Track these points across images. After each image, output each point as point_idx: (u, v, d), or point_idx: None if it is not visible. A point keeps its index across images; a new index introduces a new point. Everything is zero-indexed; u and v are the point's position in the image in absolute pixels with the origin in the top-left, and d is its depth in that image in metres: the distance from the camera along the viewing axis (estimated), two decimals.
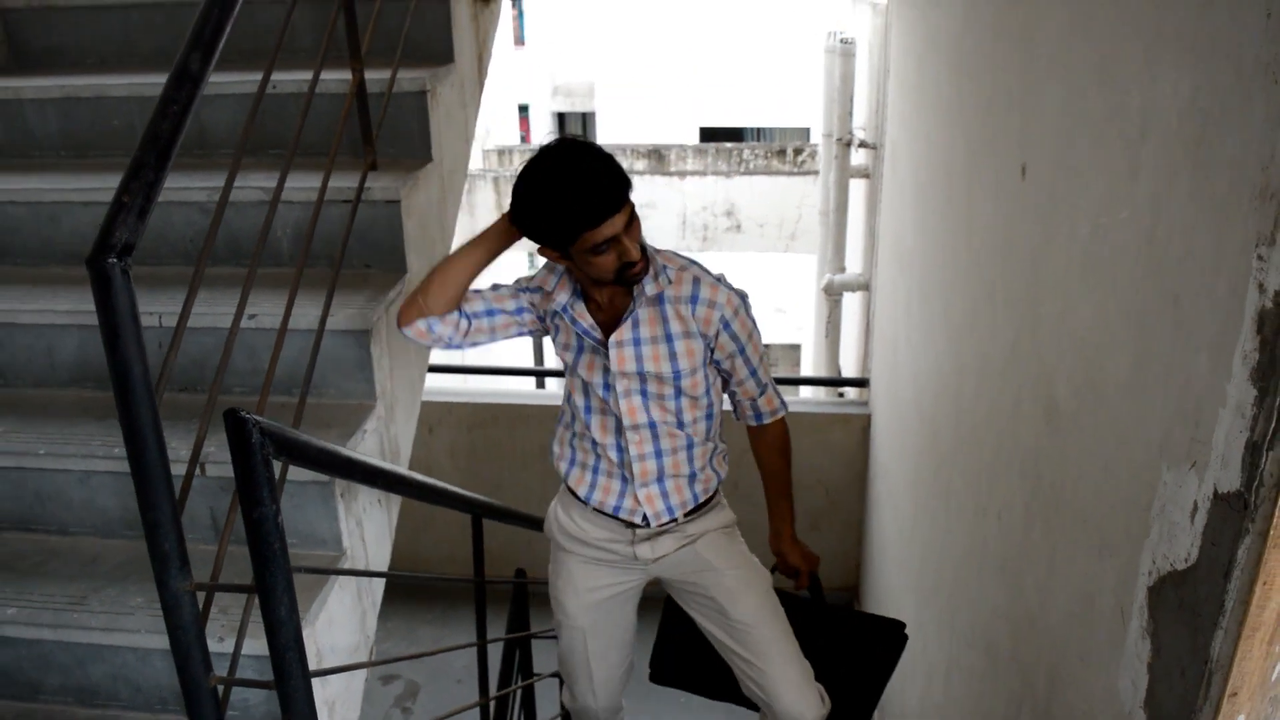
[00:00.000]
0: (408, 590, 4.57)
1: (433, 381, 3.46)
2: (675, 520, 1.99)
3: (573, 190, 1.64)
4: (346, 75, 2.03)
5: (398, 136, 2.30)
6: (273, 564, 1.22)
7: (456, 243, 2.16)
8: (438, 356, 2.72)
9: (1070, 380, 1.61)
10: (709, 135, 14.63)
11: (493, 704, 2.51)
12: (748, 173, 8.08)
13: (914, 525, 3.26)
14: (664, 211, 7.86)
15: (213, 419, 1.49)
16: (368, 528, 1.91)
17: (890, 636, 2.27)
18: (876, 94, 4.44)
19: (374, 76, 2.09)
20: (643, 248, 1.76)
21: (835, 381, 5.23)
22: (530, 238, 1.74)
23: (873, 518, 4.42)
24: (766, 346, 2.08)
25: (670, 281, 1.83)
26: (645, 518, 1.97)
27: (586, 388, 1.92)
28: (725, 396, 2.05)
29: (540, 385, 7.72)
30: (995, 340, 2.11)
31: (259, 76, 2.15)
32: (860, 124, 4.89)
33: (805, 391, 6.36)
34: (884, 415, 4.17)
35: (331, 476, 1.71)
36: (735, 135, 14.98)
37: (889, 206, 4.09)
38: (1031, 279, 1.83)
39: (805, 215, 7.32)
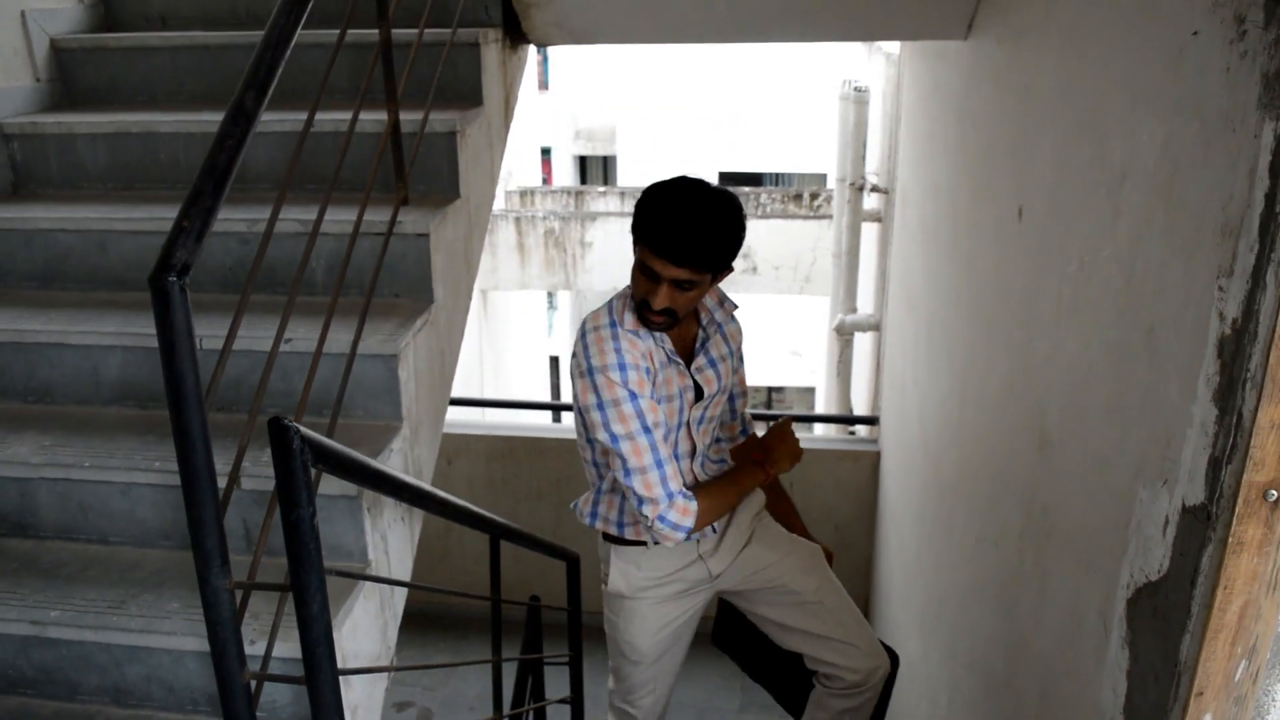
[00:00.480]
0: (423, 622, 4.64)
1: (452, 414, 3.56)
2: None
3: (670, 214, 1.75)
4: (382, 116, 2.16)
5: (428, 174, 2.43)
6: (307, 563, 1.31)
7: (480, 276, 2.27)
8: (456, 389, 2.82)
9: (1060, 411, 1.69)
10: (728, 180, 14.81)
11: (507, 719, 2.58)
12: (764, 216, 8.21)
13: (918, 559, 3.32)
14: None
15: (247, 436, 1.60)
16: (391, 542, 2.00)
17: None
18: (889, 140, 4.56)
19: (407, 117, 2.22)
20: (671, 312, 1.83)
21: (846, 419, 5.30)
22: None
23: (881, 554, 4.47)
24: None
25: (720, 306, 2.07)
26: (713, 526, 2.11)
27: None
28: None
29: (556, 419, 7.81)
30: (993, 376, 2.20)
31: (293, 116, 2.29)
32: (873, 169, 5.02)
33: (817, 429, 6.43)
34: (893, 452, 4.24)
35: (362, 487, 1.80)
36: (754, 180, 15.17)
37: (899, 249, 4.20)
38: (1026, 317, 1.92)
39: (820, 259, 7.43)
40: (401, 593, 2.09)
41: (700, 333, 2.03)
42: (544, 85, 16.30)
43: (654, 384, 1.89)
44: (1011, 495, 2.00)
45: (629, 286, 1.91)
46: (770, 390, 15.09)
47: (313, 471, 1.33)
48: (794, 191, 8.76)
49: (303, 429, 1.29)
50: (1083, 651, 1.52)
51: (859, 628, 2.18)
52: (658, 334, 1.90)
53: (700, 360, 2.00)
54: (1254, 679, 1.17)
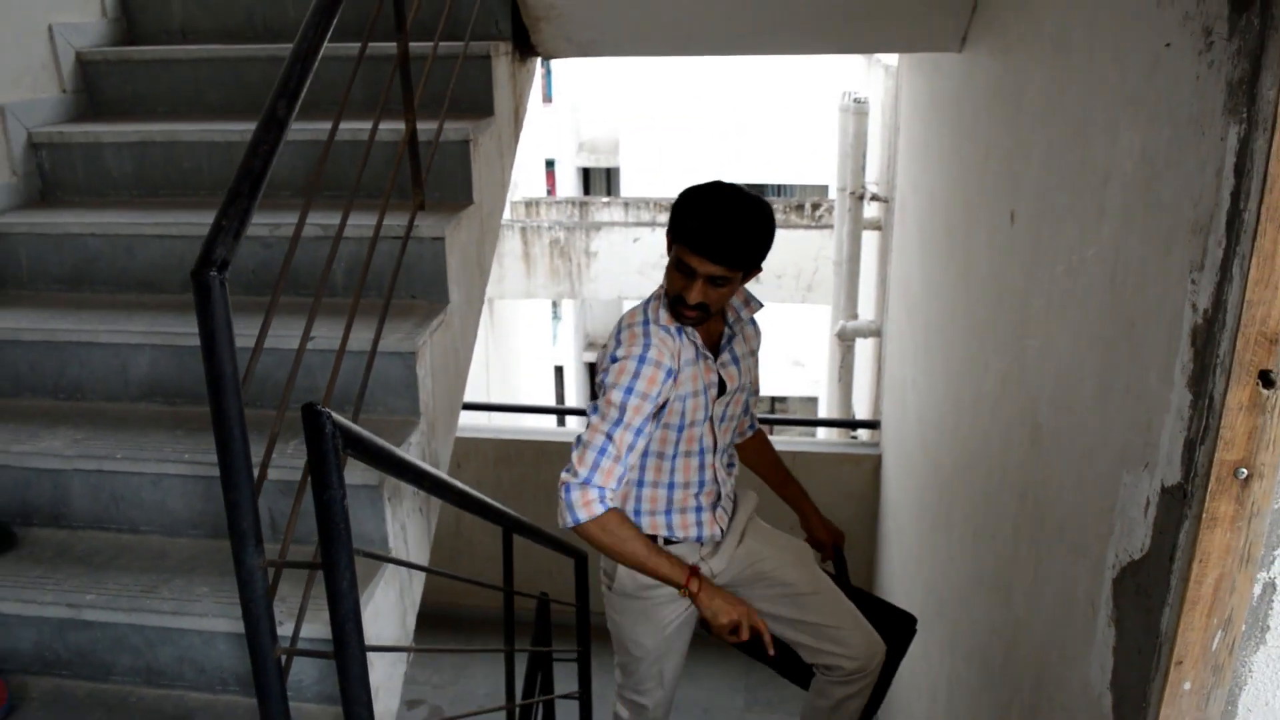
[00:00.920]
0: (433, 623, 4.68)
1: (461, 418, 3.64)
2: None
3: (707, 213, 1.88)
4: (399, 126, 2.24)
5: (443, 181, 2.52)
6: (338, 541, 1.39)
7: (492, 280, 2.37)
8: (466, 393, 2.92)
9: (1051, 405, 1.77)
10: None
11: (518, 710, 2.65)
12: None
13: (919, 557, 3.40)
14: None
15: (278, 426, 1.69)
16: (410, 532, 2.08)
17: (902, 625, 2.43)
18: (888, 150, 4.66)
19: (423, 127, 2.31)
20: (704, 307, 1.94)
21: (848, 423, 5.38)
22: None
23: (882, 555, 4.54)
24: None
25: (746, 305, 2.16)
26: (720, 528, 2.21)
27: (680, 432, 2.07)
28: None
29: (561, 423, 7.91)
30: (989, 375, 2.28)
31: (313, 126, 2.37)
32: (873, 178, 5.11)
33: (820, 434, 6.51)
34: (894, 455, 4.32)
35: (384, 476, 1.89)
36: (756, 191, 15.27)
37: (898, 256, 4.29)
38: (1019, 317, 2.00)
39: (821, 267, 7.52)
40: (419, 581, 2.17)
41: (726, 330, 2.14)
42: (548, 98, 16.42)
43: (678, 381, 1.98)
44: (1007, 489, 2.08)
45: (661, 286, 2.02)
46: (774, 400, 15.20)
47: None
48: (796, 202, 8.86)
49: (334, 415, 1.37)
50: (1073, 633, 1.59)
51: (853, 617, 2.27)
52: (688, 331, 2.00)
53: (725, 356, 2.12)
54: (1230, 649, 1.24)
